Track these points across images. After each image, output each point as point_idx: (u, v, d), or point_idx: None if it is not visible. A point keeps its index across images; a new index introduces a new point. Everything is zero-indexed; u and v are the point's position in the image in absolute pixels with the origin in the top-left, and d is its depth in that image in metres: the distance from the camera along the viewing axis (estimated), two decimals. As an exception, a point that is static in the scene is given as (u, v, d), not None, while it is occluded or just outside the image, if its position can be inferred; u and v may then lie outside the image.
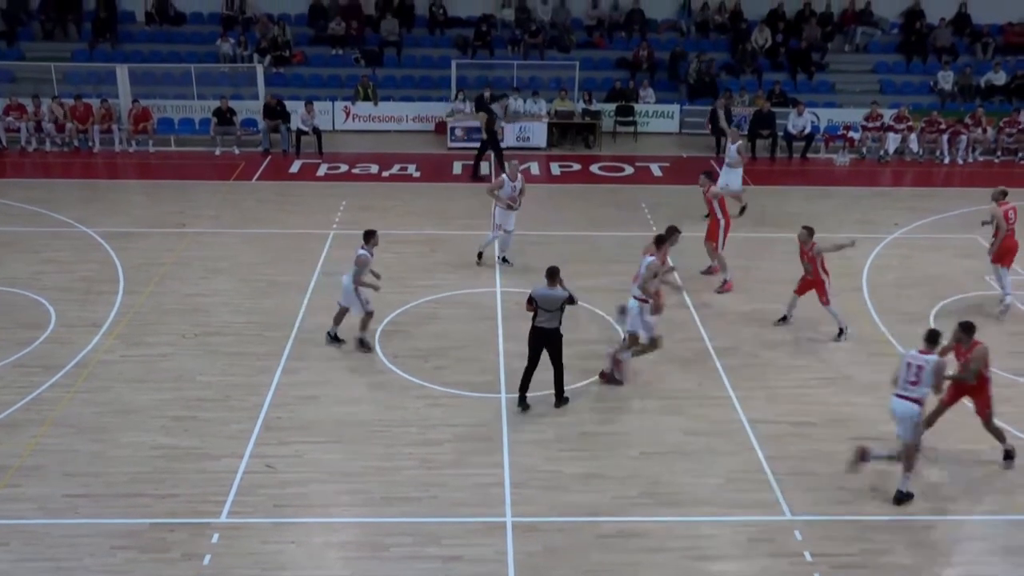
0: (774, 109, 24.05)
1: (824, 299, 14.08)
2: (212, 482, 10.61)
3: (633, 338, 12.87)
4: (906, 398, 10.32)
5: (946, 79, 25.92)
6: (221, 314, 14.80)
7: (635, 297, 12.78)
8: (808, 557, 9.67)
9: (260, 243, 17.74)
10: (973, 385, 10.97)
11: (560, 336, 11.97)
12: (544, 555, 9.62)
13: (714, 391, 12.80)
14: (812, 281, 14.12)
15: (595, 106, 24.59)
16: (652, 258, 12.71)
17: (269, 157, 23.44)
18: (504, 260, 16.75)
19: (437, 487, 10.64)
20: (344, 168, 22.59)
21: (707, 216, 16.30)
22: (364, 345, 13.65)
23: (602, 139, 24.51)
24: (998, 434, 11.26)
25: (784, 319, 14.59)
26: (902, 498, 10.50)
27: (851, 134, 23.91)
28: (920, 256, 17.33)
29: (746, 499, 10.58)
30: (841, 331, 14.22)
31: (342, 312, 13.76)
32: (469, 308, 15.15)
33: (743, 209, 19.08)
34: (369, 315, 13.53)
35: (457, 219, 19.04)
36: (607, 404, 12.45)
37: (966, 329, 10.91)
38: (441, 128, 24.76)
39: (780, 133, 23.72)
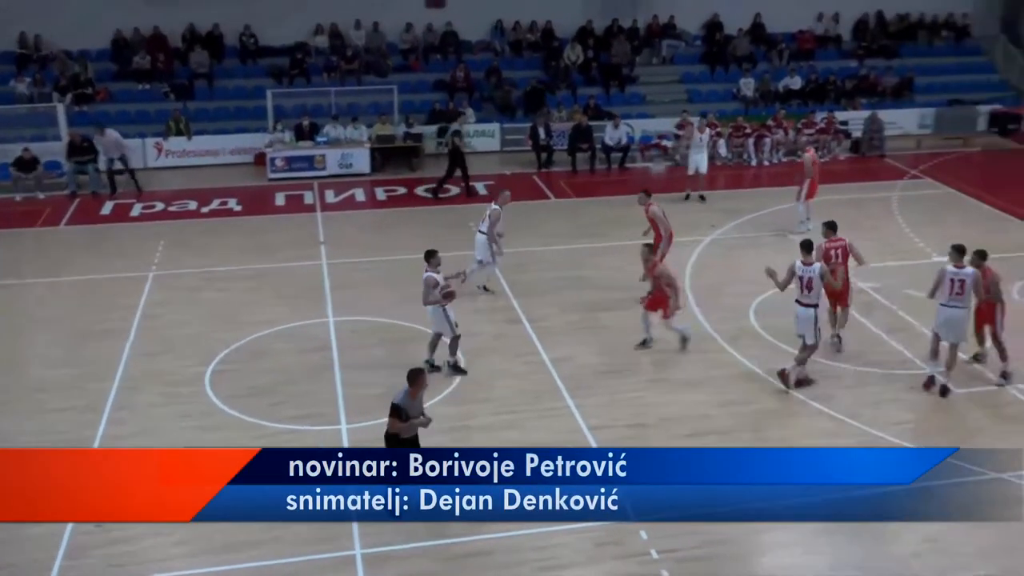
0: (591, 123, 24.65)
1: (666, 314, 14.16)
2: (38, 548, 9.94)
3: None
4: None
5: (748, 86, 27.24)
6: (36, 369, 13.94)
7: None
8: (654, 555, 9.84)
9: (73, 291, 16.83)
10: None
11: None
12: (397, 584, 9.46)
13: (552, 402, 12.91)
14: (657, 297, 14.25)
15: (416, 129, 24.59)
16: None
17: (77, 199, 22.30)
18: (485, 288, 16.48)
19: (280, 528, 10.26)
20: (160, 207, 21.73)
21: (646, 232, 16.31)
22: (459, 370, 13.57)
23: (425, 161, 24.53)
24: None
25: (644, 343, 14.41)
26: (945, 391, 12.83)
27: (664, 142, 24.79)
28: (737, 255, 18.06)
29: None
30: (644, 341, 14.34)
31: (435, 338, 13.61)
32: (301, 341, 14.79)
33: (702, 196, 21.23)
34: (458, 337, 13.48)
35: (282, 251, 18.61)
36: (451, 424, 12.37)
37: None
38: (260, 159, 24.21)
39: (598, 146, 24.33)
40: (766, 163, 24.75)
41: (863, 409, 12.69)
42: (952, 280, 12.69)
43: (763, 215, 20.25)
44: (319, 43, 27.03)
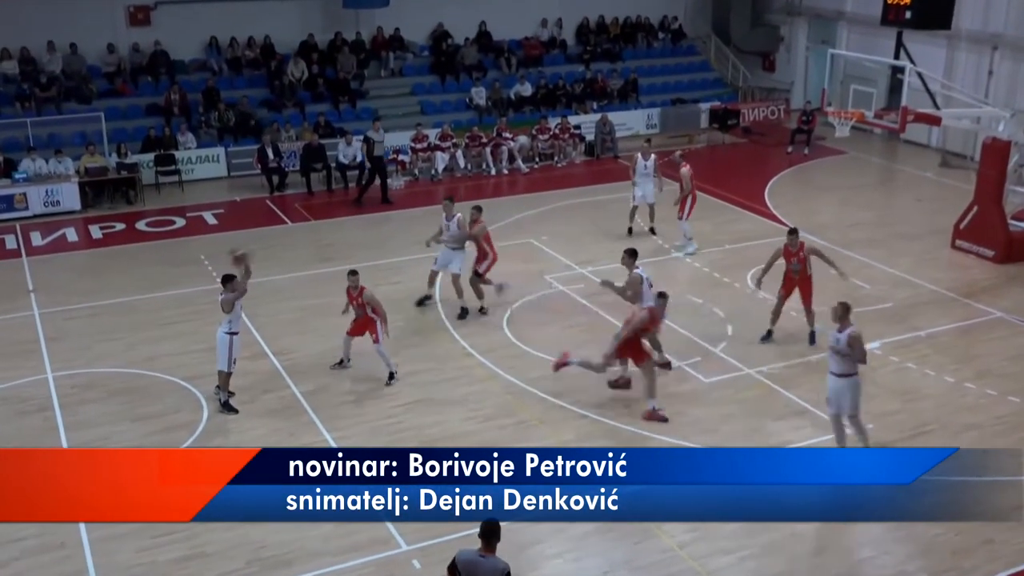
0: (323, 141, 23.56)
1: (375, 338, 13.41)
2: None
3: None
4: None
5: (479, 95, 27.05)
6: None
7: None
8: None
9: None
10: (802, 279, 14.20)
11: None
12: None
13: (307, 436, 12.09)
14: (365, 321, 13.51)
15: (131, 158, 22.51)
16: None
17: None
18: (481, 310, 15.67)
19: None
20: None
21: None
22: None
23: (144, 193, 22.49)
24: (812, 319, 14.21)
25: (391, 376, 13.57)
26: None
27: (401, 157, 24.09)
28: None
29: (359, 541, 10.07)
30: (392, 375, 13.55)
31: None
32: (16, 403, 13.04)
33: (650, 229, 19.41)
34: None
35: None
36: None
37: (795, 232, 14.33)
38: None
39: (333, 164, 23.27)
40: (505, 171, 24.58)
41: (619, 408, 12.67)
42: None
43: (508, 224, 19.93)
44: (7, 69, 24.22)
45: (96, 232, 20.47)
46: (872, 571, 9.82)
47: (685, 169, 18.10)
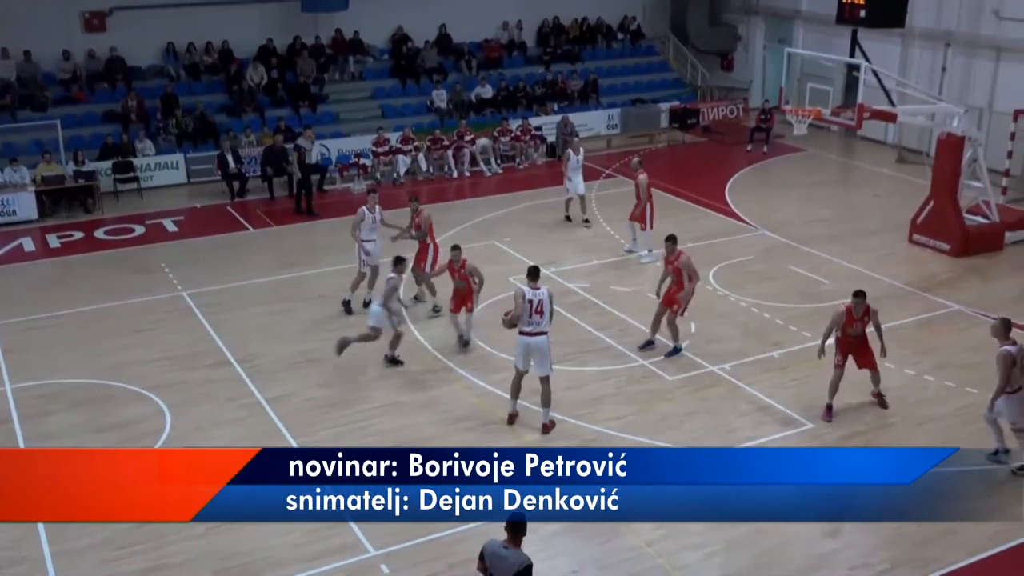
0: (285, 145, 23.40)
1: (469, 307, 14.43)
2: None
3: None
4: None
5: (440, 97, 27.00)
6: None
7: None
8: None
9: None
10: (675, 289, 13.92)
11: None
12: None
13: (272, 443, 11.88)
14: (467, 292, 14.29)
15: (88, 166, 22.24)
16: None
17: None
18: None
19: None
20: None
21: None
22: (396, 362, 13.96)
23: (103, 201, 22.22)
24: (676, 332, 14.05)
25: (466, 344, 14.39)
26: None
27: (363, 161, 24.00)
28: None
29: (328, 546, 10.04)
30: (466, 343, 14.42)
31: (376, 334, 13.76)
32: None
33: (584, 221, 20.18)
34: (400, 335, 13.94)
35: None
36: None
37: (673, 239, 14.11)
38: None
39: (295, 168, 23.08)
40: (467, 174, 24.57)
41: (583, 408, 12.76)
42: None
43: (470, 227, 19.95)
44: (-40, 77, 23.91)
45: (54, 241, 20.20)
46: (837, 564, 9.92)
47: (643, 176, 17.94)
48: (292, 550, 10.00)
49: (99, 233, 20.60)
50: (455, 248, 14.43)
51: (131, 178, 22.97)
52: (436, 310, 15.74)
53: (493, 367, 13.89)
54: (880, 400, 12.74)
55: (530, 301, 11.88)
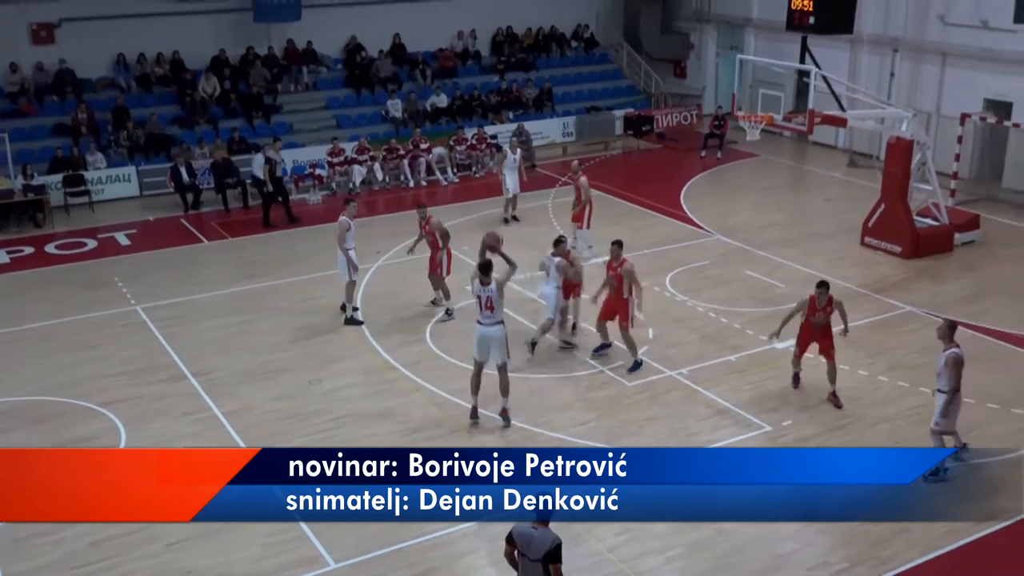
0: (236, 157, 23.21)
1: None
2: None
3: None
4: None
5: (395, 107, 26.96)
6: None
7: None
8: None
9: None
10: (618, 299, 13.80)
11: None
12: None
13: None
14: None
15: (37, 180, 21.90)
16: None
17: None
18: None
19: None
20: None
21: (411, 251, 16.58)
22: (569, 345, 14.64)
23: (53, 215, 21.89)
24: (632, 345, 13.93)
25: None
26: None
27: (318, 172, 23.88)
28: (409, 279, 17.47)
29: (287, 560, 10.00)
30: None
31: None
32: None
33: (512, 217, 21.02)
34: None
35: None
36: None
37: (620, 244, 14.01)
38: None
39: (248, 180, 22.92)
40: (423, 183, 24.53)
41: (544, 416, 12.78)
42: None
43: (428, 235, 19.91)
44: (-97, 92, 23.47)
45: (3, 257, 19.85)
46: (795, 564, 10.03)
47: (583, 179, 18.46)
48: (251, 565, 9.93)
49: (50, 248, 20.30)
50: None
51: (82, 191, 22.67)
52: (449, 313, 15.91)
53: (449, 376, 13.86)
54: (835, 401, 12.95)
55: (478, 297, 12.16)
